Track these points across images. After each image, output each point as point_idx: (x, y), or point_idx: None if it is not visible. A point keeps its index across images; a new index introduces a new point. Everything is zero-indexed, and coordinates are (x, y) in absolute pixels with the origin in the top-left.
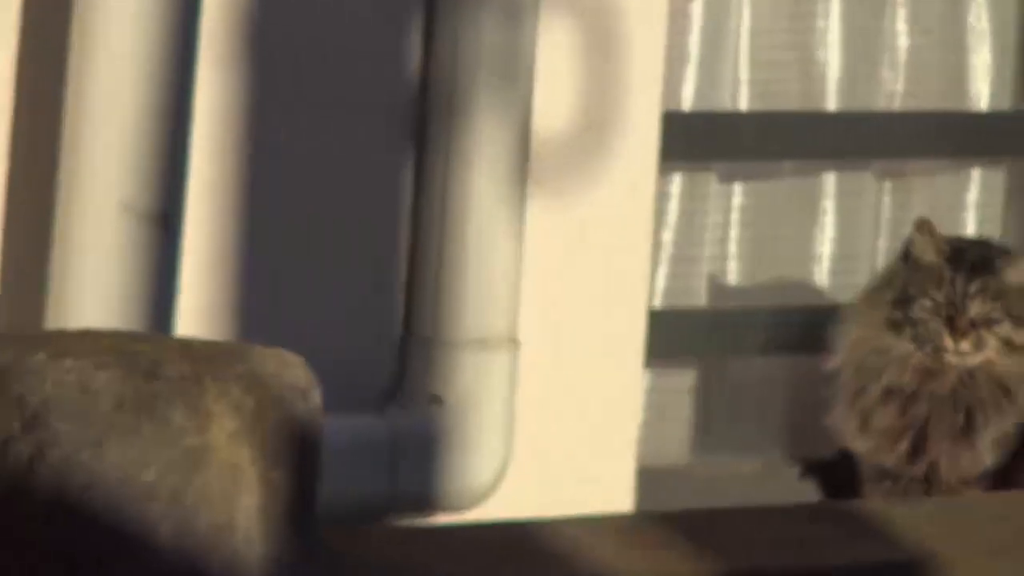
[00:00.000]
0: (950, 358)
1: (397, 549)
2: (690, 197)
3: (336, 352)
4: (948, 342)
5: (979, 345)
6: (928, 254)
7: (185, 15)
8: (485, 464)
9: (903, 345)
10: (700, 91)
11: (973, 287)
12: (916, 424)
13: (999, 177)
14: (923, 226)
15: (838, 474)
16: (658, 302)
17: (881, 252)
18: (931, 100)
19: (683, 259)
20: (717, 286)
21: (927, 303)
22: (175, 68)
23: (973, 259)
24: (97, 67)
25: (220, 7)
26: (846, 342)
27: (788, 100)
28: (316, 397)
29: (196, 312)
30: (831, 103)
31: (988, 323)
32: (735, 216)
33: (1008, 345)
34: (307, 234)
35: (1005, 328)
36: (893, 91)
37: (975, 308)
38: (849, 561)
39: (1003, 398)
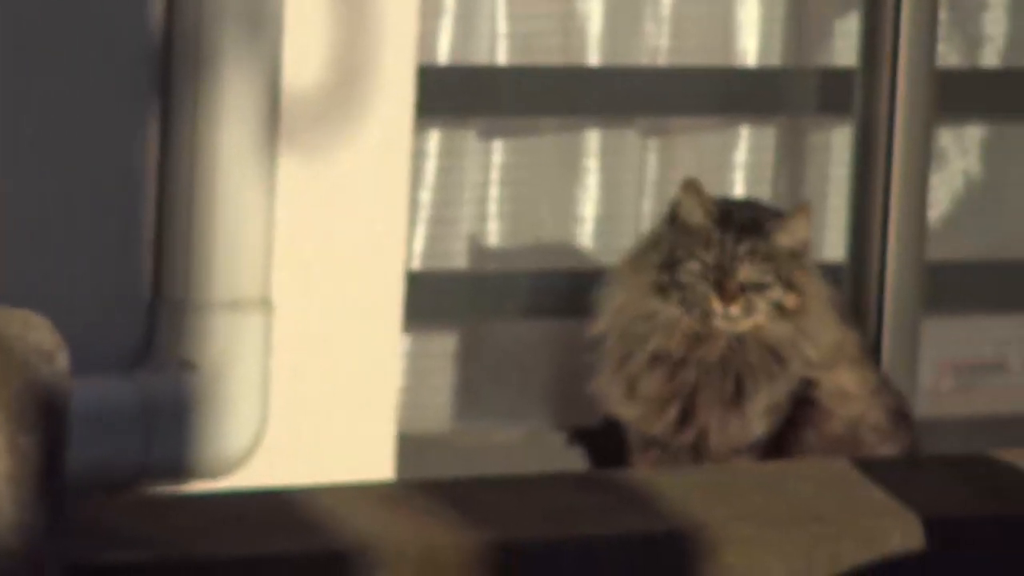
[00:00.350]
0: (719, 323)
1: (150, 518)
2: (448, 155)
3: (84, 314)
4: (717, 306)
5: (749, 310)
6: (695, 215)
7: None
8: (240, 430)
9: (670, 309)
10: (456, 44)
11: (742, 249)
12: (684, 391)
13: (769, 135)
14: (690, 186)
15: (605, 442)
16: (416, 264)
17: (647, 213)
18: (697, 56)
19: (442, 220)
20: (477, 248)
21: (695, 266)
22: None
23: (742, 221)
24: None
25: None
26: (611, 306)
27: (548, 54)
28: (63, 360)
29: None
30: (593, 58)
31: (758, 287)
32: (495, 175)
33: (779, 309)
34: (50, 191)
35: (776, 292)
36: (657, 46)
37: (744, 272)
38: (616, 531)
39: (774, 364)
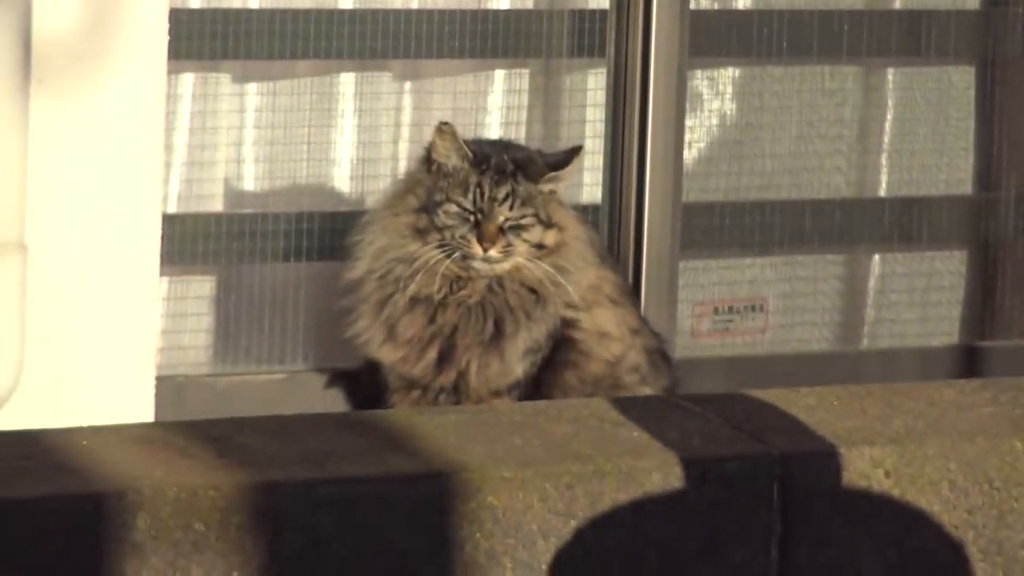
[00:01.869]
0: (479, 265)
1: None
2: (202, 98)
3: None
4: (477, 249)
5: (508, 252)
6: (452, 158)
7: None
8: None
9: (429, 252)
10: None
11: (501, 192)
12: (444, 333)
13: (523, 78)
14: (444, 129)
15: (365, 384)
16: (173, 207)
17: (403, 156)
18: None
19: (197, 163)
20: (233, 191)
21: (453, 209)
22: None
23: (500, 163)
24: None
25: None
26: (369, 250)
27: None
28: None
29: None
30: (346, 0)
31: (517, 229)
32: (250, 118)
33: (540, 248)
34: None
35: (536, 232)
36: None
37: (504, 214)
38: (376, 472)
39: (534, 305)
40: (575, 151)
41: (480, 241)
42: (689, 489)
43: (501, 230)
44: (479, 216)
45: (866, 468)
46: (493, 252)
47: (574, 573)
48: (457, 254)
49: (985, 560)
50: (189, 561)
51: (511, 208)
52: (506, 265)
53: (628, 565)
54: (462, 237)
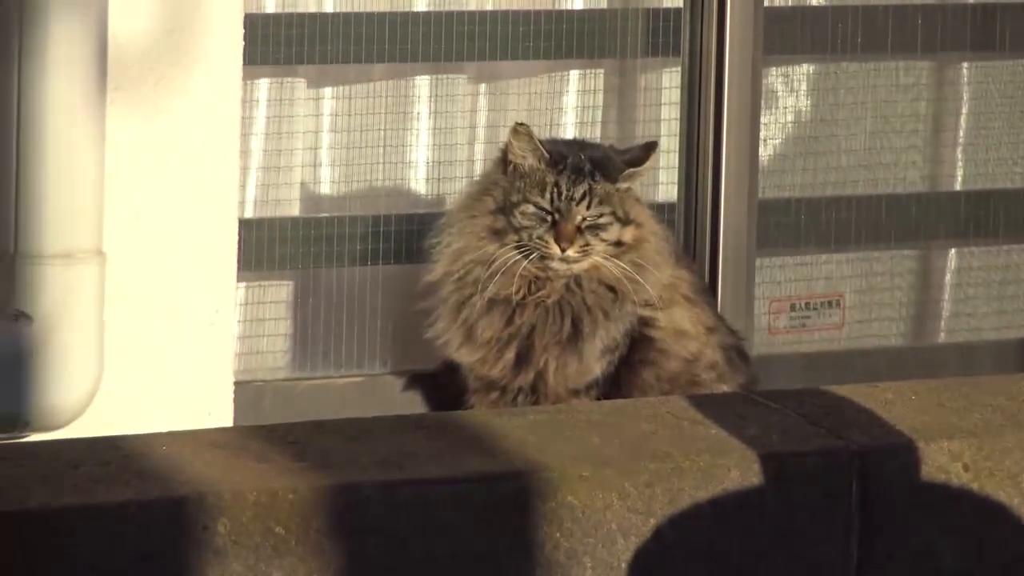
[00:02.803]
0: (557, 265)
1: None
2: (278, 103)
3: None
4: (555, 249)
5: (586, 251)
6: (528, 159)
7: None
8: (76, 381)
9: (507, 253)
10: None
11: (579, 191)
12: (522, 333)
13: (598, 78)
14: (520, 130)
15: (444, 386)
16: (249, 212)
17: (479, 158)
18: (524, 0)
19: (274, 167)
20: (310, 195)
21: (530, 209)
22: None
23: (576, 162)
24: None
25: None
26: (447, 252)
27: (376, 1)
28: None
29: None
30: (421, 3)
31: (595, 228)
32: (326, 122)
33: (618, 246)
34: None
35: (614, 231)
36: None
37: (581, 213)
38: (455, 473)
39: (612, 303)
40: (651, 146)
41: (558, 241)
42: (768, 485)
43: (579, 229)
44: (556, 216)
45: (945, 462)
46: (571, 252)
47: (654, 571)
48: (535, 254)
49: None
50: (269, 565)
51: (588, 207)
52: (584, 264)
53: (708, 562)
54: (539, 238)
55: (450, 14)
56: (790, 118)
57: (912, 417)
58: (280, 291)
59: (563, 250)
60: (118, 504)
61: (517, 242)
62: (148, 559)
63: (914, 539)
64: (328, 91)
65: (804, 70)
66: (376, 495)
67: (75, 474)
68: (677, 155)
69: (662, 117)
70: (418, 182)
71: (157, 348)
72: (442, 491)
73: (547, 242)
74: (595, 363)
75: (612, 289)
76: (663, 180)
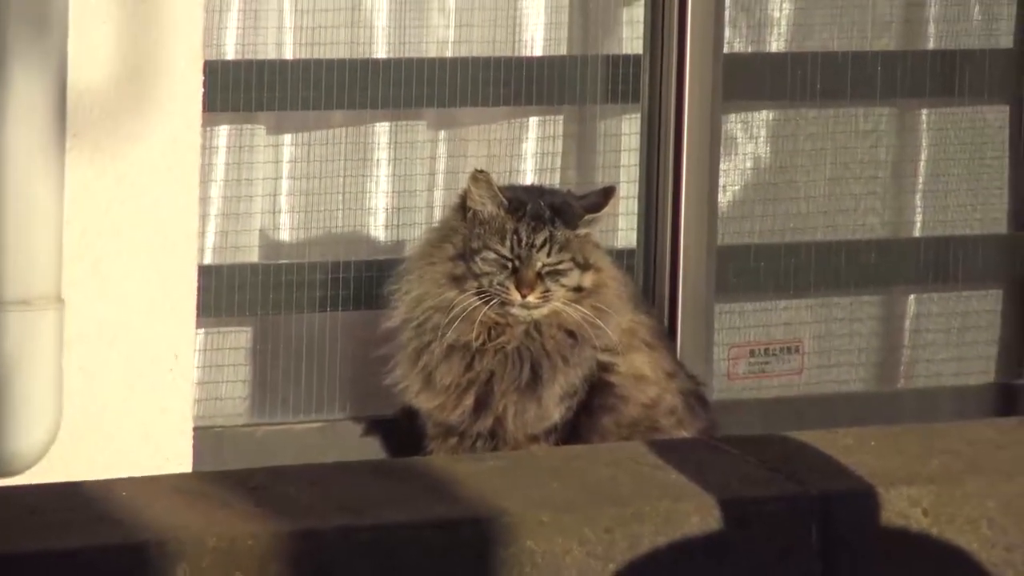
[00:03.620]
0: (517, 311)
1: None
2: (238, 149)
3: None
4: (515, 295)
5: (547, 296)
6: (488, 206)
7: None
8: (34, 427)
9: (467, 300)
10: (243, 39)
11: (539, 238)
12: (481, 379)
13: (557, 124)
14: (479, 177)
15: (403, 432)
16: (209, 259)
17: (438, 204)
18: (484, 47)
19: (233, 214)
20: (270, 241)
21: (491, 256)
22: None
23: (536, 209)
24: None
25: None
26: (406, 298)
27: (336, 48)
28: None
29: None
30: (380, 51)
31: (555, 274)
32: (285, 168)
33: (577, 291)
34: None
35: (574, 277)
36: (444, 38)
37: (542, 260)
38: (415, 518)
39: (572, 349)
40: (609, 191)
41: (519, 288)
42: (728, 531)
43: (539, 276)
44: (517, 263)
45: (904, 507)
46: (532, 298)
47: None
48: (495, 301)
49: None
50: None
51: (549, 254)
52: (544, 310)
53: None
54: (500, 284)
55: (409, 61)
56: (749, 164)
57: (871, 463)
58: (239, 337)
59: (524, 296)
60: (76, 550)
61: (477, 288)
62: None
63: None
64: (287, 138)
65: (764, 116)
66: (336, 540)
67: (33, 519)
68: (637, 201)
69: (621, 163)
70: (378, 228)
71: (116, 394)
72: (402, 536)
73: (508, 288)
74: (554, 409)
75: (572, 334)
76: (623, 226)
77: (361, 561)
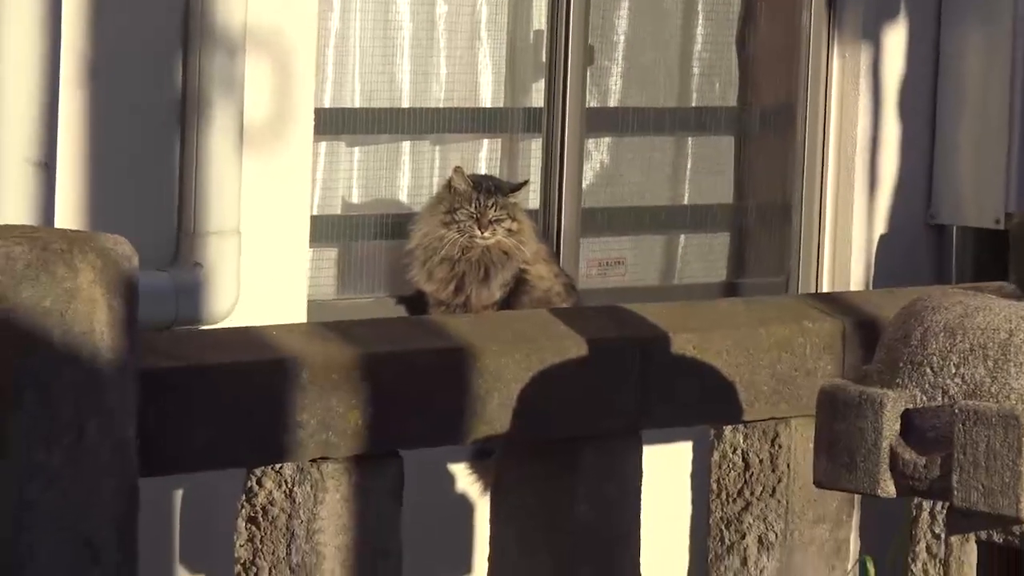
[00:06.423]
0: (478, 241)
1: (179, 344)
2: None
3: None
4: (477, 232)
5: (494, 233)
6: (462, 185)
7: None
8: (223, 300)
9: (451, 234)
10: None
11: (489, 202)
12: (458, 275)
13: (496, 148)
14: (458, 170)
15: (416, 304)
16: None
17: (434, 186)
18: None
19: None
20: (348, 202)
21: (464, 212)
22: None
23: (487, 186)
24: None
25: None
26: (418, 233)
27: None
28: (135, 261)
29: (67, 212)
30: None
31: (498, 221)
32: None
33: (509, 232)
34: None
35: (507, 223)
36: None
37: (491, 214)
38: (426, 347)
39: (506, 260)
40: (525, 183)
41: (480, 228)
42: (590, 356)
43: (490, 222)
44: (478, 215)
45: (683, 344)
46: (486, 234)
47: (532, 397)
48: (466, 235)
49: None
50: (330, 395)
51: (495, 211)
52: (491, 241)
53: (565, 391)
54: (469, 227)
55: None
56: (600, 165)
57: (666, 322)
58: (332, 252)
59: (482, 233)
60: (247, 362)
61: (458, 229)
62: (264, 396)
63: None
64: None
65: (606, 142)
66: (385, 358)
67: (217, 348)
68: (538, 187)
69: (531, 165)
70: (404, 197)
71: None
72: (419, 356)
73: (473, 229)
74: (497, 292)
75: (506, 254)
76: (532, 195)
77: (396, 368)
